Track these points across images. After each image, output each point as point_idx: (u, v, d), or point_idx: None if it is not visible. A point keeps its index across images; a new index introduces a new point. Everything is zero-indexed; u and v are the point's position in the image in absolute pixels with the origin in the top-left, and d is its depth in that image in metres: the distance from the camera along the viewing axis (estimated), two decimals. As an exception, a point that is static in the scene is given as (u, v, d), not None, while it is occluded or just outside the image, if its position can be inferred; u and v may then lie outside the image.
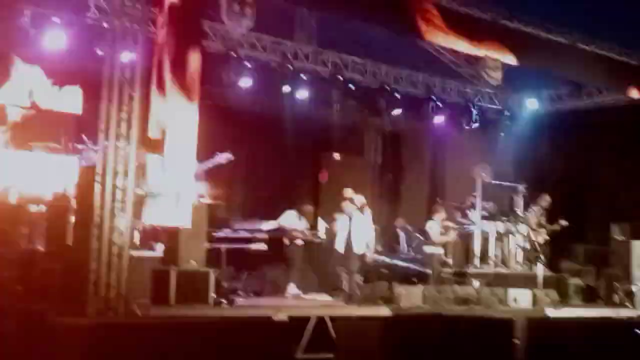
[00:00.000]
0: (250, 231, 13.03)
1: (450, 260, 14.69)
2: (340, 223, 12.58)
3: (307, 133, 15.98)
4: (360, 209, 12.59)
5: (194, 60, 9.62)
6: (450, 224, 13.91)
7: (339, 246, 12.51)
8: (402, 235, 15.46)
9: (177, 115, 9.51)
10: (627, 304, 13.86)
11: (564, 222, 15.23)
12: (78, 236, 9.72)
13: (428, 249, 13.69)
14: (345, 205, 12.58)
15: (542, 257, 14.82)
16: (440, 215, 13.85)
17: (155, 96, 9.69)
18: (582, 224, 16.67)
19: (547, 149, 16.33)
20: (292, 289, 12.36)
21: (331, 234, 13.05)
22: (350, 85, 14.68)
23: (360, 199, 12.78)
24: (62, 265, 9.63)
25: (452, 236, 13.87)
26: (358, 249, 12.38)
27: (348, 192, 12.95)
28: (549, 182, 15.90)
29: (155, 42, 9.85)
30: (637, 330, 10.16)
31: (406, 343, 8.61)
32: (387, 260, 13.99)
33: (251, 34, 12.99)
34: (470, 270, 14.54)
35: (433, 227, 13.69)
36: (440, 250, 13.65)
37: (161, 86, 9.64)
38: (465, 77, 15.85)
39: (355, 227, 12.40)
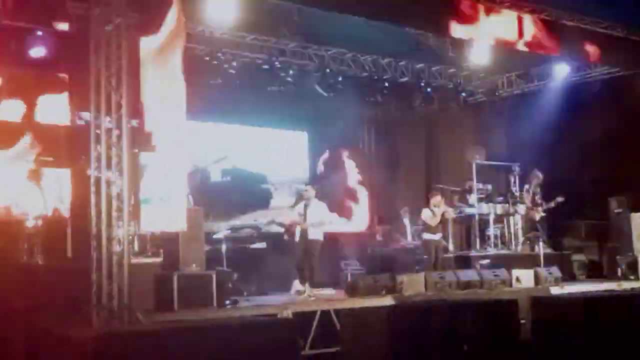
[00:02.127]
0: (248, 229, 13.06)
1: (450, 245, 14.74)
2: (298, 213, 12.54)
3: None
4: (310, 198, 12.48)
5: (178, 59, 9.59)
6: (439, 207, 13.78)
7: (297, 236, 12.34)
8: (407, 224, 15.47)
9: (166, 117, 9.50)
10: (630, 276, 13.90)
11: (560, 199, 15.24)
12: (77, 248, 9.70)
13: (425, 235, 13.67)
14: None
15: (542, 235, 14.84)
16: (433, 201, 13.78)
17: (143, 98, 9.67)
18: (581, 200, 16.68)
19: (539, 126, 16.29)
20: (295, 285, 12.34)
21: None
22: (339, 78, 14.75)
23: (310, 190, 12.64)
24: (63, 278, 9.60)
25: (438, 218, 13.66)
26: (314, 235, 12.22)
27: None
28: (543, 159, 15.87)
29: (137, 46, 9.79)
30: (641, 302, 10.12)
31: (411, 331, 8.58)
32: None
33: (235, 33, 13.03)
34: (472, 253, 14.58)
35: (425, 212, 13.67)
36: (437, 236, 13.58)
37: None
38: (452, 61, 15.82)
39: (310, 214, 12.30)
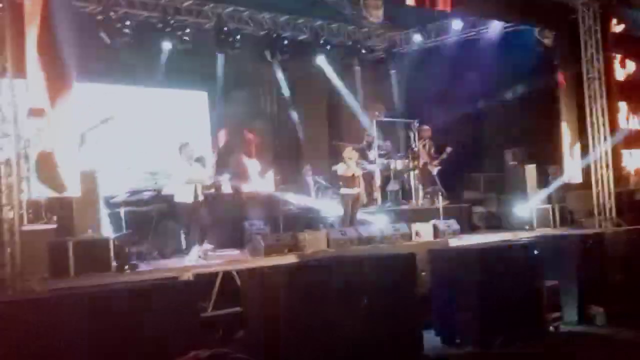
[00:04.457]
0: (149, 191, 12.85)
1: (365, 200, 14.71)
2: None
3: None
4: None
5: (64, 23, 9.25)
6: (352, 159, 13.71)
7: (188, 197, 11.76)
8: (310, 183, 15.49)
9: (54, 81, 9.19)
10: (525, 226, 14.33)
11: (449, 149, 15.54)
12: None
13: (343, 190, 13.54)
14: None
15: (440, 188, 15.11)
16: (346, 154, 13.67)
17: (32, 63, 9.32)
18: (480, 153, 17.08)
19: (436, 82, 16.50)
20: (198, 246, 12.19)
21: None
22: (237, 36, 14.56)
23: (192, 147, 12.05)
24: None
25: (353, 170, 13.55)
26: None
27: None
28: (442, 114, 16.11)
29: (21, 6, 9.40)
30: (536, 251, 10.47)
31: (311, 288, 8.62)
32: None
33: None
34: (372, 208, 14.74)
35: (340, 167, 13.51)
36: (354, 190, 13.47)
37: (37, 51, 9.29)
38: (350, 18, 15.83)
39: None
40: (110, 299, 8.24)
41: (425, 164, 15.58)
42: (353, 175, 13.37)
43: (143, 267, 10.65)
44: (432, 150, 15.78)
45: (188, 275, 9.77)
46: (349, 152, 13.55)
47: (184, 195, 11.68)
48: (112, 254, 9.84)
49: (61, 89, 9.36)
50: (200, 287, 9.54)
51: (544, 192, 15.10)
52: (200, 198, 11.86)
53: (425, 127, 15.81)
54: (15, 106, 9.13)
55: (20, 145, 9.26)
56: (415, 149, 15.69)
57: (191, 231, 11.79)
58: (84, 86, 11.11)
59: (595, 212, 14.70)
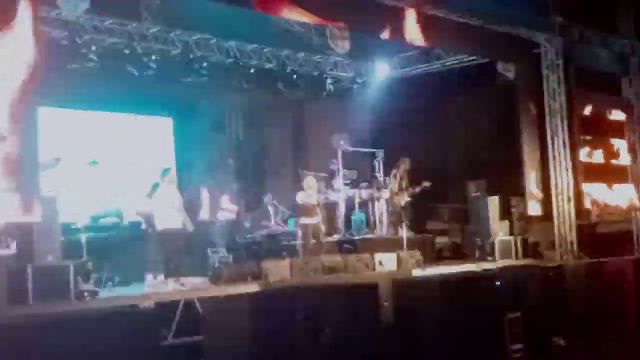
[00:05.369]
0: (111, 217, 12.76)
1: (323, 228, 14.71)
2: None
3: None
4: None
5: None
6: (313, 188, 13.75)
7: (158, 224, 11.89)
8: (270, 210, 15.46)
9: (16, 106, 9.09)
10: (488, 257, 14.41)
11: (426, 184, 15.52)
12: None
13: (302, 219, 13.58)
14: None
15: (405, 219, 15.15)
16: (306, 183, 13.70)
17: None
18: (444, 184, 17.17)
19: (402, 112, 16.62)
20: (159, 274, 12.10)
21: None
22: (203, 64, 14.58)
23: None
24: None
25: (314, 199, 13.62)
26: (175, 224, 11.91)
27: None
28: (407, 145, 16.19)
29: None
30: (498, 282, 10.54)
31: (274, 317, 8.58)
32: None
33: (93, 17, 12.65)
34: (335, 238, 14.73)
35: (300, 195, 13.55)
36: (314, 220, 13.50)
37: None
38: (317, 48, 15.92)
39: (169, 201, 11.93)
40: (69, 326, 8.13)
41: (393, 194, 15.55)
42: (313, 204, 13.42)
43: (103, 294, 10.52)
44: (404, 182, 15.72)
45: (149, 303, 9.65)
46: (309, 181, 13.62)
47: (169, 222, 11.59)
48: (71, 280, 9.72)
49: (24, 114, 9.25)
50: (161, 315, 9.44)
51: (506, 224, 15.22)
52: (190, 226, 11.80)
53: (405, 158, 15.79)
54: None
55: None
56: (381, 179, 15.72)
57: (160, 258, 11.71)
58: (47, 111, 11.05)
59: (557, 244, 14.81)
